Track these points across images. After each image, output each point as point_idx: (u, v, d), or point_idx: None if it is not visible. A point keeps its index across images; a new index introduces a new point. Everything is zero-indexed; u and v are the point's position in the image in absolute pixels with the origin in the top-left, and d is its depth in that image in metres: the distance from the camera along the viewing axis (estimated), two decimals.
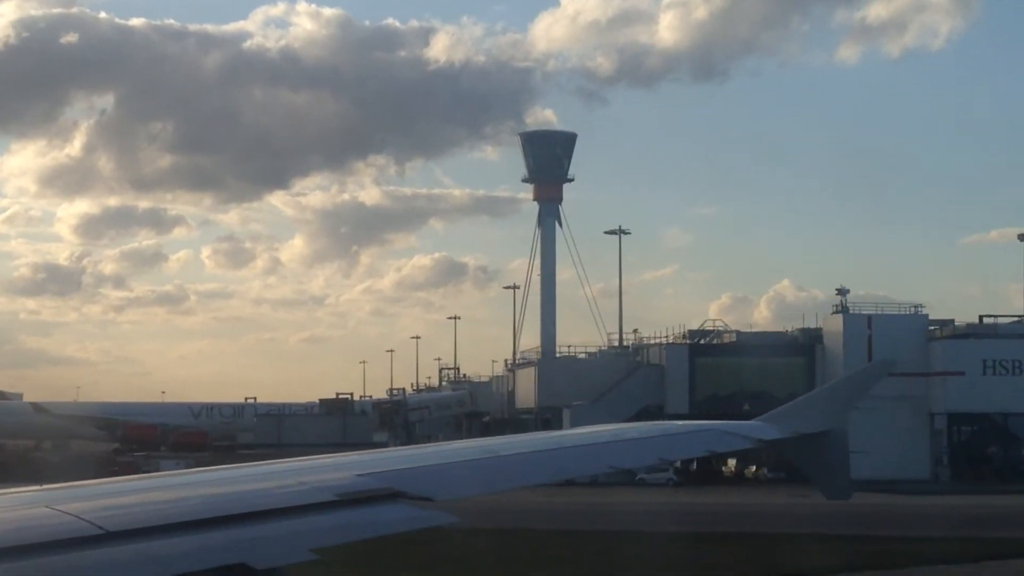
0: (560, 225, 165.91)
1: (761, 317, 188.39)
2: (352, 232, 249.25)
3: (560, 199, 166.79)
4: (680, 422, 18.43)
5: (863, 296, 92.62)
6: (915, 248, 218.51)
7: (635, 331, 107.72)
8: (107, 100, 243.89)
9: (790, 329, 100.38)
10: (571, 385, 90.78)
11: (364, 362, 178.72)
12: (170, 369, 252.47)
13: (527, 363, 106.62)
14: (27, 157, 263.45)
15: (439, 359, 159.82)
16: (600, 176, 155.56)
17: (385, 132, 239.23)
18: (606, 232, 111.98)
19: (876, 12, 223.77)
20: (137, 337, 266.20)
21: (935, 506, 65.36)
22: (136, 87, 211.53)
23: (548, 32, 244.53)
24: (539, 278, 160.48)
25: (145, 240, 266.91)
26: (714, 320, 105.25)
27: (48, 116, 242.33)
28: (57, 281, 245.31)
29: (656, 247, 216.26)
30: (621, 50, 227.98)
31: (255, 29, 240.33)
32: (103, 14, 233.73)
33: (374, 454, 9.32)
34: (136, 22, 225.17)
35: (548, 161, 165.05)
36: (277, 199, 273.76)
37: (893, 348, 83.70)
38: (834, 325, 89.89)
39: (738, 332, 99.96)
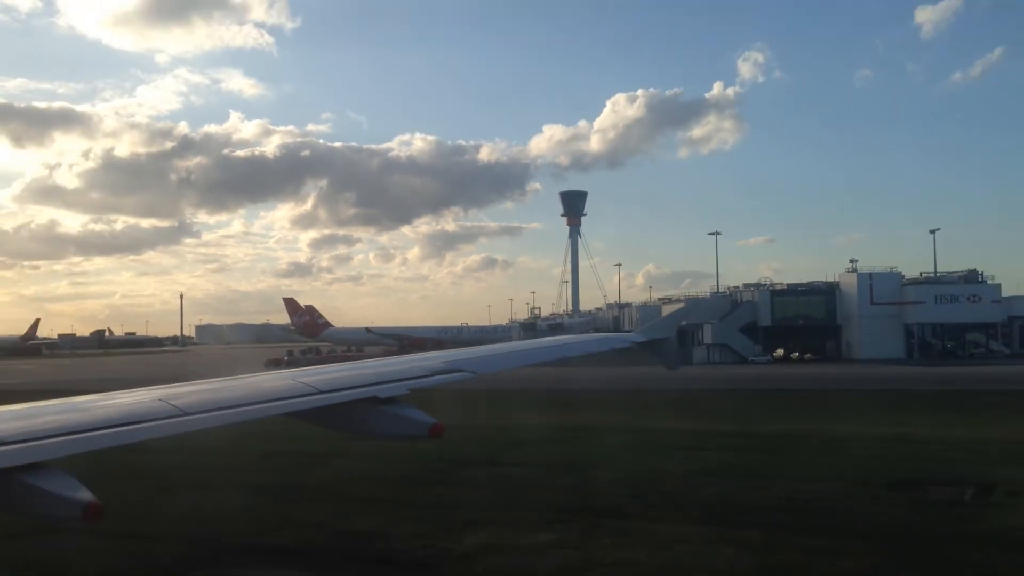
0: (580, 237, 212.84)
1: (639, 280, 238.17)
2: (441, 244, 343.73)
3: (580, 224, 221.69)
4: (598, 334, 20.16)
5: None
6: (709, 247, 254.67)
7: (729, 287, 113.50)
8: (323, 182, 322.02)
9: (810, 281, 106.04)
10: (701, 313, 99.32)
11: (490, 306, 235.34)
12: (352, 313, 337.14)
13: (673, 300, 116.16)
14: (285, 210, 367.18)
15: (528, 303, 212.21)
16: (560, 212, 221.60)
17: (458, 196, 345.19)
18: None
19: (697, 132, 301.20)
20: (338, 297, 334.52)
21: (919, 372, 69.33)
22: (337, 175, 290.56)
23: (537, 145, 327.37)
24: (570, 267, 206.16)
25: (341, 249, 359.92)
26: (764, 277, 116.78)
27: (294, 191, 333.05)
28: (299, 271, 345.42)
29: (590, 249, 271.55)
30: (572, 153, 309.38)
31: (395, 146, 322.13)
32: (320, 140, 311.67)
33: (451, 353, 10.24)
34: (337, 144, 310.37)
35: (573, 204, 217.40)
36: (406, 229, 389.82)
37: (883, 291, 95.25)
38: (849, 279, 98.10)
39: (785, 283, 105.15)
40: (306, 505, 17.52)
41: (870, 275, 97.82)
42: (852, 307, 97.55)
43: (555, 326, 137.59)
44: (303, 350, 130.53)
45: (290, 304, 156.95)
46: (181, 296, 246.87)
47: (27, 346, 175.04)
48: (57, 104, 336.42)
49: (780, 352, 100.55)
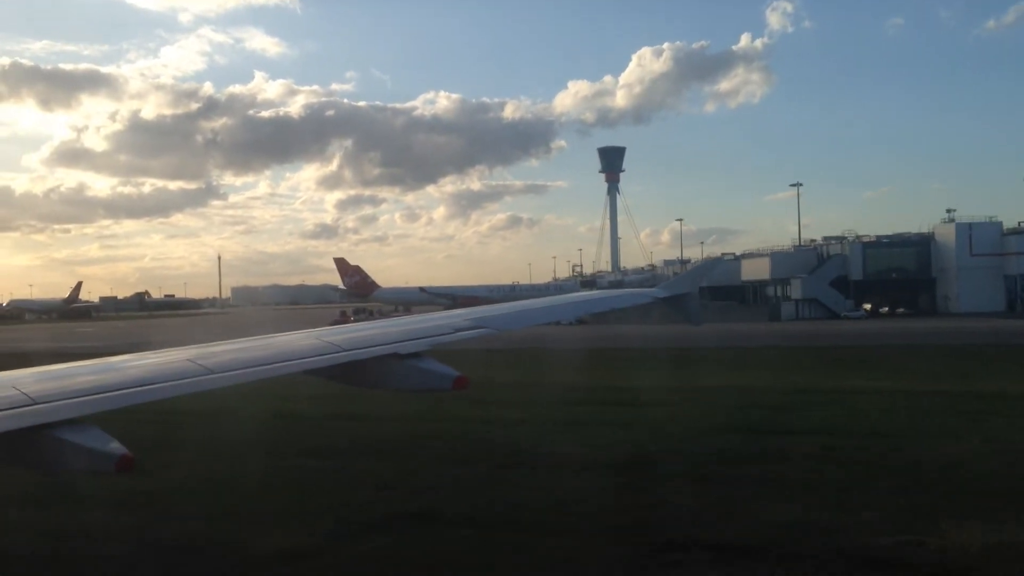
0: (619, 193, 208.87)
1: (665, 237, 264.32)
2: (467, 203, 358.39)
3: (618, 180, 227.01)
4: (620, 290, 21.18)
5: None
6: (736, 203, 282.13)
7: (813, 239, 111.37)
8: (348, 142, 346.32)
9: (899, 232, 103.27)
10: (787, 267, 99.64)
11: (530, 264, 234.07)
12: (381, 273, 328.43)
13: (757, 254, 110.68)
14: (310, 171, 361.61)
15: (569, 261, 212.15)
16: (585, 169, 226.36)
17: (483, 154, 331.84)
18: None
19: (724, 86, 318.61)
20: (364, 258, 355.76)
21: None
22: (361, 135, 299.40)
23: (562, 101, 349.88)
24: (608, 223, 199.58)
25: (367, 210, 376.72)
26: (846, 231, 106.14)
27: (320, 151, 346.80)
28: (326, 232, 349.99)
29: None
30: (598, 109, 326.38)
31: (419, 105, 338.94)
32: (345, 100, 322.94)
33: (474, 310, 10.00)
34: (361, 103, 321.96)
35: (611, 160, 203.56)
36: (431, 189, 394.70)
37: (983, 242, 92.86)
38: (945, 230, 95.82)
39: (874, 236, 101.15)
40: (660, 487, 14.77)
41: (969, 225, 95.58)
42: (949, 259, 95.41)
43: (616, 283, 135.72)
44: (355, 310, 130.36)
45: (341, 264, 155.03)
46: (219, 258, 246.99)
47: (72, 309, 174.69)
48: (83, 66, 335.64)
49: (868, 307, 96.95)
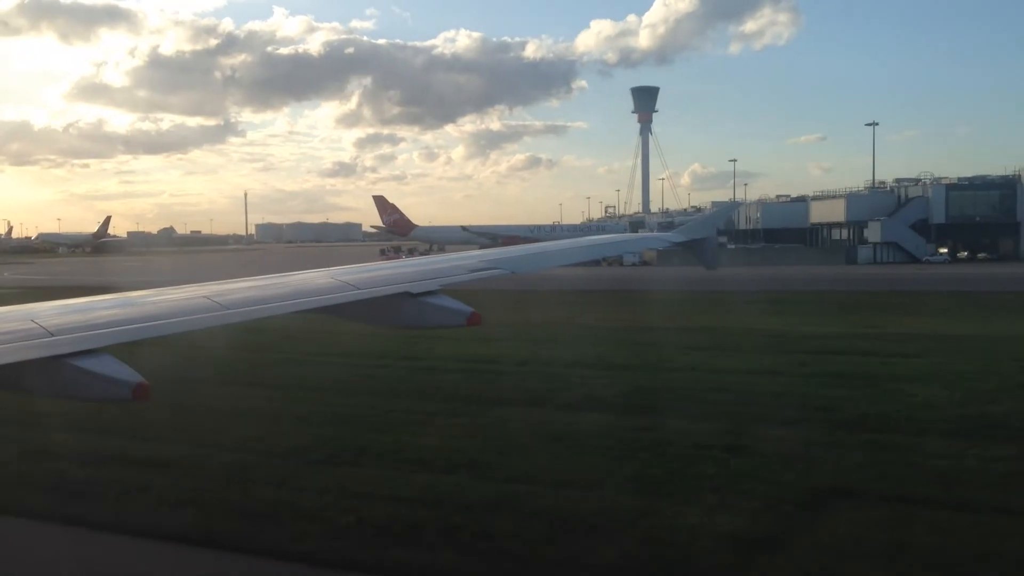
0: (651, 134, 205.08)
1: (685, 180, 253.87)
2: (486, 143, 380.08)
3: (651, 121, 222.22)
4: (631, 234, 20.76)
5: None
6: (754, 146, 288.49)
7: (883, 181, 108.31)
8: (367, 80, 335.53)
9: (981, 174, 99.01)
10: (863, 209, 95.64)
11: (561, 204, 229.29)
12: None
13: (831, 196, 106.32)
14: (329, 109, 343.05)
15: (601, 201, 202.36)
16: (607, 110, 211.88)
17: (503, 94, 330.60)
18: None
19: (750, 26, 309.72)
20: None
21: None
22: (381, 73, 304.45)
23: (584, 41, 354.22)
24: (639, 163, 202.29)
25: (385, 148, 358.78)
26: (922, 173, 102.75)
27: (338, 89, 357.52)
28: (344, 170, 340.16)
29: (637, 147, 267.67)
30: (620, 50, 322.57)
31: (440, 43, 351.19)
32: (364, 37, 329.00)
33: (490, 251, 10.22)
34: (381, 41, 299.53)
35: (644, 100, 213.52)
36: (450, 128, 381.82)
37: None
38: None
39: (955, 178, 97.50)
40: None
41: None
42: None
43: (666, 225, 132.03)
44: (393, 247, 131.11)
45: (380, 202, 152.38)
46: (245, 195, 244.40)
47: (102, 243, 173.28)
48: (102, 0, 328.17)
49: (944, 251, 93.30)
